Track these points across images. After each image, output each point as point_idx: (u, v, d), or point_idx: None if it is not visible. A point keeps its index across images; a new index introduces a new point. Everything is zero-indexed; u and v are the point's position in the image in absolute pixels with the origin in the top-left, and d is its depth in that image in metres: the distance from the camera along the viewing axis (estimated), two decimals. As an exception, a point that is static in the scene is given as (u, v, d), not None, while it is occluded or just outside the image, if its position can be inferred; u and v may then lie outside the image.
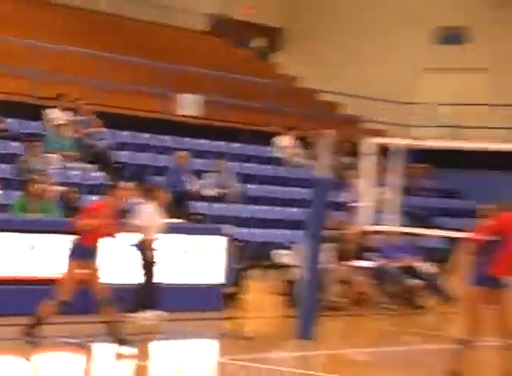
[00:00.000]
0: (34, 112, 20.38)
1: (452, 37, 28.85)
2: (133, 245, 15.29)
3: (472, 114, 26.09)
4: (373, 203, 19.67)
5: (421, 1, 29.10)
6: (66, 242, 12.74)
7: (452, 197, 25.34)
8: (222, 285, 16.95)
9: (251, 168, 22.41)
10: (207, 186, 20.41)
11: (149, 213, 15.35)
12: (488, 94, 27.23)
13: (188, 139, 22.32)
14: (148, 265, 15.24)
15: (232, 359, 12.58)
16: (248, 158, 22.72)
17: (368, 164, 14.05)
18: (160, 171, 20.35)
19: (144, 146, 21.68)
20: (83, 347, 12.76)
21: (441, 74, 28.50)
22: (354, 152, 21.42)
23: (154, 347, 14.05)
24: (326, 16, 30.08)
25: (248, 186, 21.47)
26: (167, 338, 14.53)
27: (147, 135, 22.13)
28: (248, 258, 18.93)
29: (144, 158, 21.29)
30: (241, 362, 12.36)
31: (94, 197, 17.56)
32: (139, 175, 19.53)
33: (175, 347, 14.23)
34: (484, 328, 10.77)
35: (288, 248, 18.54)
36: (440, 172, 25.11)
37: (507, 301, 10.94)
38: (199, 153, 21.49)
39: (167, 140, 22.21)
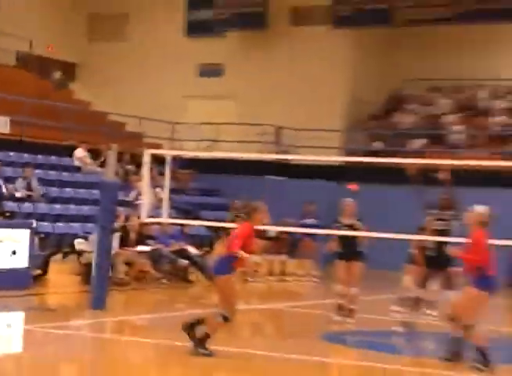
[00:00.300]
0: None
1: (211, 71, 29.14)
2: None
3: (226, 131, 26.45)
4: (151, 200, 19.71)
5: (188, 43, 29.24)
6: None
7: (212, 195, 25.59)
8: (28, 268, 16.60)
9: (53, 174, 22.06)
10: (17, 189, 19.96)
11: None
12: (238, 115, 27.69)
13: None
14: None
15: (37, 327, 12.36)
16: (51, 167, 22.38)
17: (147, 170, 14.03)
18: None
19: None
20: None
21: (203, 100, 28.78)
22: (137, 161, 21.35)
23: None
24: (114, 54, 29.89)
25: (50, 188, 21.15)
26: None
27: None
28: (52, 246, 18.68)
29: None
30: (45, 329, 12.18)
31: None
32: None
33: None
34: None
35: (84, 238, 18.37)
36: (202, 176, 25.35)
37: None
38: (9, 163, 21.05)
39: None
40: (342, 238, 13.13)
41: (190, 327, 10.66)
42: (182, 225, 19.98)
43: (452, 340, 10.61)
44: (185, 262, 19.70)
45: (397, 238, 12.49)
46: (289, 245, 22.40)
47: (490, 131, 26.05)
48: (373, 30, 27.64)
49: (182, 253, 19.76)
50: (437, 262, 12.66)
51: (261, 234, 21.16)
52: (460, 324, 10.44)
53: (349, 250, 13.21)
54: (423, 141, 26.51)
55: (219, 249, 11.68)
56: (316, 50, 27.31)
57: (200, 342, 10.56)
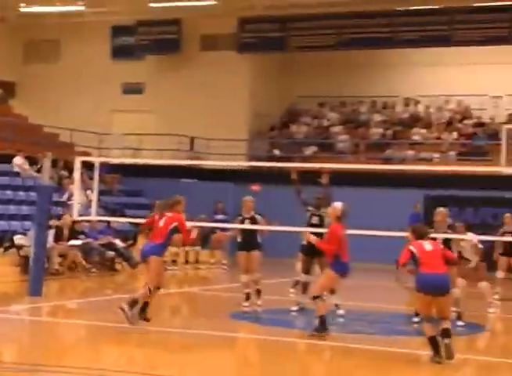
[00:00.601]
0: None
1: (133, 89, 28.91)
2: None
3: (147, 141, 26.27)
4: (82, 201, 19.47)
5: (113, 65, 28.90)
6: None
7: (135, 196, 25.36)
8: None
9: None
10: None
11: None
12: (157, 127, 27.53)
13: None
14: None
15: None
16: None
17: (78, 175, 13.85)
18: None
19: None
20: None
21: (126, 114, 28.52)
22: (69, 167, 21.04)
23: None
24: (49, 75, 29.37)
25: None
26: None
27: None
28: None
29: None
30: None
31: None
32: None
33: None
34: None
35: (23, 234, 18.02)
36: (127, 179, 25.12)
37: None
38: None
39: None
40: (243, 230, 13.16)
41: (131, 304, 11.02)
42: (109, 222, 19.80)
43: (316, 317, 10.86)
44: (112, 253, 19.53)
45: (290, 230, 12.67)
46: (202, 238, 22.38)
47: (369, 140, 26.48)
48: (271, 55, 27.83)
49: (110, 246, 19.58)
50: (314, 250, 12.83)
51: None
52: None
53: (249, 241, 13.22)
54: (315, 148, 26.78)
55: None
56: (223, 71, 27.35)
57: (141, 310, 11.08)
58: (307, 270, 13.07)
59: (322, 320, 10.64)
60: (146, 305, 11.19)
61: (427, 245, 9.81)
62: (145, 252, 11.35)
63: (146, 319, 11.15)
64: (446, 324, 9.61)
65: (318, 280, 11.15)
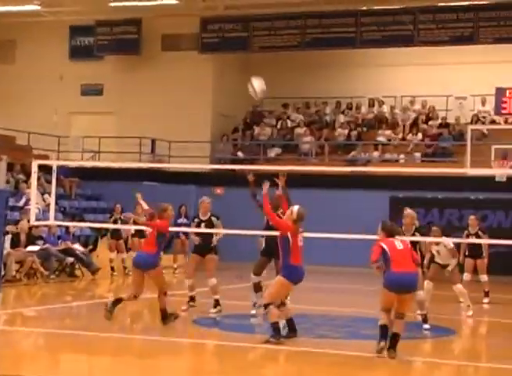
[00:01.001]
0: None
1: (92, 90, 28.77)
2: None
3: (107, 143, 26.18)
4: (40, 205, 19.33)
5: (71, 66, 28.72)
6: None
7: (93, 200, 25.22)
8: None
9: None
10: None
11: None
12: (117, 129, 27.44)
13: None
14: None
15: None
16: None
17: (35, 179, 13.73)
18: None
19: None
20: None
21: (85, 116, 28.37)
22: (27, 171, 20.88)
23: None
24: (5, 76, 29.10)
25: None
26: None
27: None
28: None
29: None
30: None
31: None
32: None
33: None
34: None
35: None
36: (85, 183, 24.99)
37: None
38: None
39: None
40: (199, 233, 13.18)
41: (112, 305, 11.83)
42: (67, 227, 19.68)
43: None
44: (71, 259, 19.41)
45: (249, 234, 12.77)
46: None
47: (334, 141, 26.62)
48: (234, 55, 27.87)
49: (69, 251, 19.45)
50: (268, 252, 12.89)
51: (140, 233, 21.07)
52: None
53: (203, 244, 13.22)
54: (278, 150, 26.86)
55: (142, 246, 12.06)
56: (184, 72, 27.31)
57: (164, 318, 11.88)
58: (258, 272, 13.09)
59: (276, 327, 10.65)
60: (165, 311, 11.90)
61: (398, 243, 10.00)
62: (138, 264, 11.93)
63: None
64: (397, 329, 9.90)
65: (269, 286, 11.12)
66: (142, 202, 13.15)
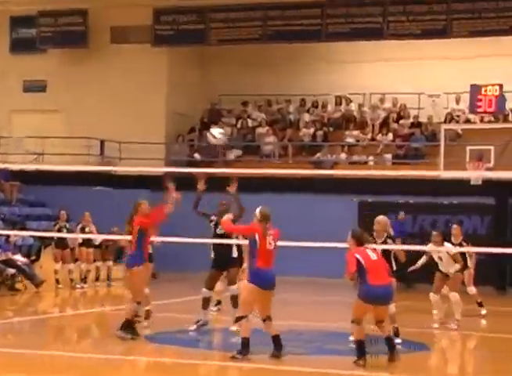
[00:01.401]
0: None
1: (35, 86, 28.54)
2: None
3: (52, 144, 25.96)
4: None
5: (12, 60, 28.47)
6: None
7: (37, 206, 24.98)
8: None
9: None
10: None
11: None
12: (63, 129, 27.23)
13: None
14: None
15: None
16: None
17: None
18: None
19: None
20: None
21: (28, 115, 28.12)
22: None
23: None
24: None
25: None
26: None
27: None
28: None
29: None
30: None
31: None
32: None
33: None
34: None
35: None
36: (27, 187, 24.76)
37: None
38: None
39: None
40: None
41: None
42: (8, 236, 19.45)
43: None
44: (13, 270, 19.18)
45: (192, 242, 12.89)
46: (114, 252, 22.20)
47: (298, 142, 26.67)
48: (190, 48, 27.80)
49: (9, 262, 19.22)
50: (219, 263, 12.95)
51: (88, 243, 20.93)
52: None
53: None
54: (238, 152, 26.85)
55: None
56: (136, 67, 27.19)
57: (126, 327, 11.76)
58: (210, 286, 13.13)
59: (245, 343, 10.66)
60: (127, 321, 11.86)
61: (371, 253, 10.27)
62: (126, 264, 12.28)
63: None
64: (384, 331, 10.59)
65: (240, 298, 11.16)
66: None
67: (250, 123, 28.12)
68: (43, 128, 26.97)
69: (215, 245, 13.03)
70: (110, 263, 21.92)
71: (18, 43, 28.53)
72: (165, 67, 27.64)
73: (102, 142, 26.76)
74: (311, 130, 26.91)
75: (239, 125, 28.14)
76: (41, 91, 28.38)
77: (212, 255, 13.17)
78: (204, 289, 13.14)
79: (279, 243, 11.02)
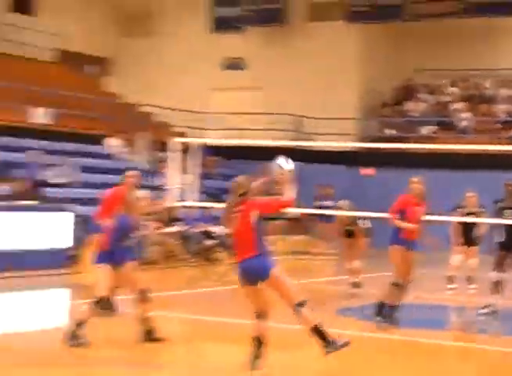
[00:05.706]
0: None
1: (234, 65, 29.03)
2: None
3: (248, 120, 26.32)
4: (179, 185, 19.64)
5: (212, 39, 29.15)
6: None
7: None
8: (67, 249, 16.77)
9: (87, 161, 21.82)
10: (55, 176, 19.92)
11: None
12: (259, 106, 27.54)
13: (38, 141, 21.45)
14: None
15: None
16: (85, 154, 22.19)
17: (174, 157, 13.97)
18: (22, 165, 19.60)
19: (5, 147, 20.65)
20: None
21: (226, 92, 28.64)
22: (165, 149, 21.27)
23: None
24: (143, 50, 29.82)
25: (85, 174, 20.94)
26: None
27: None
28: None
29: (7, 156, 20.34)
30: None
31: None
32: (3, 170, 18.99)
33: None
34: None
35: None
36: (226, 162, 25.28)
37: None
38: (49, 152, 20.79)
39: (23, 142, 21.30)
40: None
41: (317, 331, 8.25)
42: (207, 207, 19.91)
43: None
44: (211, 241, 19.65)
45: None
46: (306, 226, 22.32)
47: (495, 117, 25.79)
48: (384, 25, 27.40)
49: (208, 233, 19.70)
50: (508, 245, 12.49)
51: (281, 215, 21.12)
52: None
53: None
54: (433, 127, 26.28)
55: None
56: (331, 44, 27.13)
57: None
58: (500, 268, 12.40)
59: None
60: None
61: None
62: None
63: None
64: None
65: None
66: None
67: (444, 98, 27.44)
68: (239, 105, 27.42)
69: (508, 227, 12.30)
70: (303, 236, 22.00)
71: (219, 23, 29.07)
72: (360, 44, 27.40)
73: (298, 119, 26.86)
74: (509, 106, 25.95)
75: (433, 101, 27.53)
76: (239, 69, 28.84)
77: (503, 238, 12.41)
78: (493, 272, 12.39)
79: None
